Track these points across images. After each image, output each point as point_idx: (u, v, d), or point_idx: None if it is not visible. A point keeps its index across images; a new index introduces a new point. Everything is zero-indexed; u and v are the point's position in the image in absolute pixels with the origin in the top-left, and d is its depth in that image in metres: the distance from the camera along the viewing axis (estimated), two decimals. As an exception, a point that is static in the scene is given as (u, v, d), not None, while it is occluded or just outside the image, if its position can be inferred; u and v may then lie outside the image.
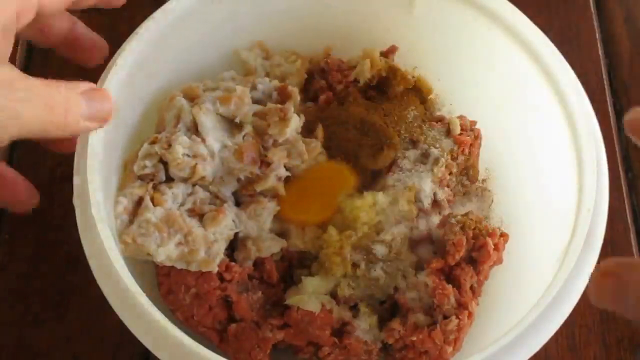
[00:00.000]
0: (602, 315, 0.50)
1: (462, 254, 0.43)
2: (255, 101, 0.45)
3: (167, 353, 0.35)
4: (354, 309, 0.44)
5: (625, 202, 0.55)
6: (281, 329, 0.42)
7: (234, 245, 0.43)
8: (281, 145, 0.44)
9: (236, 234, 0.43)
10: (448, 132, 0.48)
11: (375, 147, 0.45)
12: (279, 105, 0.44)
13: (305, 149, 0.44)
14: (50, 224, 0.47)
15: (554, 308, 0.37)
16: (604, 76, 0.61)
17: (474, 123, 0.49)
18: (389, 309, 0.44)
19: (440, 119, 0.49)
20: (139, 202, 0.41)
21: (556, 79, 0.44)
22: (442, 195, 0.45)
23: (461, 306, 0.42)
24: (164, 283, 0.42)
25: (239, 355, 0.42)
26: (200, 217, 0.42)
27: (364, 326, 0.43)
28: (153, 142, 0.42)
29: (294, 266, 0.45)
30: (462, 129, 0.48)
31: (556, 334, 0.37)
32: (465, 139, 0.47)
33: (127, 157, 0.43)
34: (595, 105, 0.44)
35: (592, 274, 0.35)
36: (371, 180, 0.45)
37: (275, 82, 0.46)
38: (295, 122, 0.44)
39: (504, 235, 0.44)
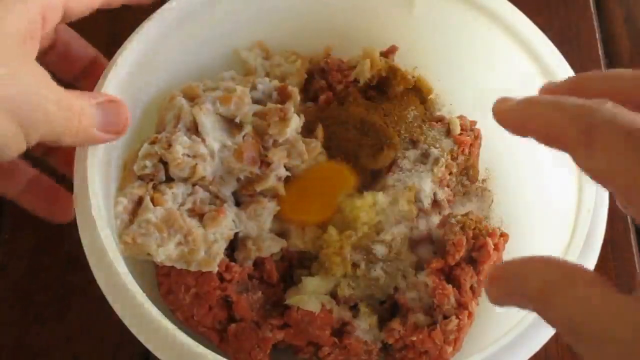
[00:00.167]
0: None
1: (462, 254, 0.43)
2: (255, 101, 0.45)
3: (167, 353, 0.35)
4: (354, 309, 0.44)
5: (625, 202, 0.55)
6: (281, 329, 0.42)
7: (234, 245, 0.43)
8: (281, 145, 0.44)
9: (236, 234, 0.43)
10: (448, 132, 0.48)
11: (375, 147, 0.45)
12: (279, 105, 0.44)
13: (305, 149, 0.44)
14: (50, 223, 0.46)
15: (554, 308, 0.37)
16: (604, 76, 0.61)
17: (474, 123, 0.49)
18: (389, 309, 0.44)
19: (440, 119, 0.49)
20: (139, 202, 0.41)
21: (556, 78, 0.44)
22: (442, 195, 0.45)
23: (461, 306, 0.42)
24: (164, 283, 0.42)
25: (239, 355, 0.42)
26: (200, 217, 0.42)
27: (364, 326, 0.43)
28: (153, 142, 0.42)
29: (294, 266, 0.45)
30: (462, 129, 0.48)
31: (556, 333, 0.37)
32: (465, 139, 0.47)
33: (127, 157, 0.43)
34: (595, 105, 0.43)
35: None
36: (371, 180, 0.45)
37: (275, 82, 0.46)
38: (295, 122, 0.44)
39: (504, 235, 0.44)
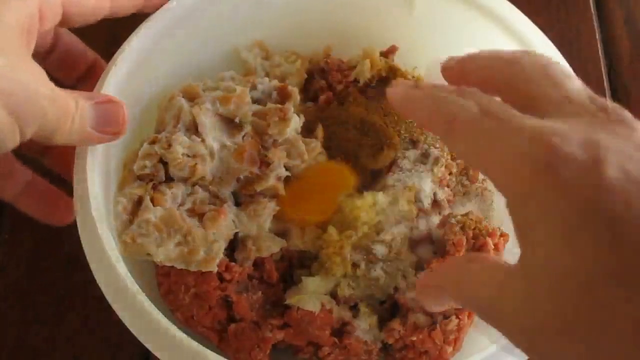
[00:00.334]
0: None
1: (462, 254, 0.43)
2: (255, 101, 0.45)
3: (167, 353, 0.35)
4: (354, 309, 0.44)
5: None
6: (281, 329, 0.42)
7: (234, 245, 0.43)
8: (281, 145, 0.44)
9: (236, 234, 0.43)
10: (448, 132, 0.48)
11: (375, 147, 0.45)
12: (279, 105, 0.44)
13: (305, 149, 0.44)
14: (50, 224, 0.46)
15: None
16: (604, 76, 0.61)
17: (474, 123, 0.49)
18: (389, 309, 0.44)
19: (440, 119, 0.49)
20: (139, 202, 0.41)
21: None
22: (442, 195, 0.45)
23: (461, 306, 0.42)
24: (164, 283, 0.42)
25: (239, 355, 0.42)
26: (200, 217, 0.42)
27: (364, 326, 0.43)
28: (153, 142, 0.42)
29: (294, 266, 0.45)
30: (462, 129, 0.48)
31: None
32: (465, 139, 0.47)
33: (127, 157, 0.43)
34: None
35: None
36: (371, 180, 0.45)
37: (275, 82, 0.46)
38: (295, 122, 0.44)
39: (504, 235, 0.44)
